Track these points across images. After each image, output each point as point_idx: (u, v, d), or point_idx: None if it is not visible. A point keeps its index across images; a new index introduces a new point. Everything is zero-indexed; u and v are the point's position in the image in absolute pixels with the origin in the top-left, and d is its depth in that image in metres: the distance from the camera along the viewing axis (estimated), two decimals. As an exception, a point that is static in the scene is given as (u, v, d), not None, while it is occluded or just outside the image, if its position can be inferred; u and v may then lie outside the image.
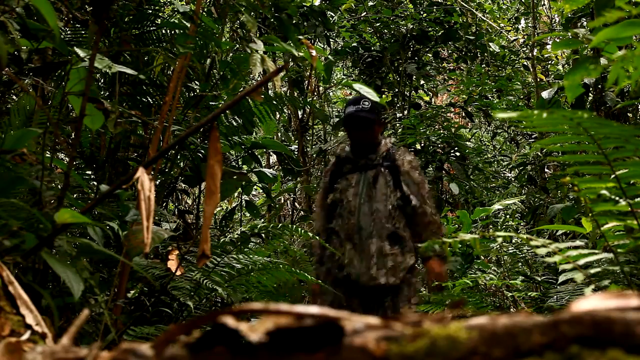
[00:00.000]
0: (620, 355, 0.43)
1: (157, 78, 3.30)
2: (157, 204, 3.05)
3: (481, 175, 7.12)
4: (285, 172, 5.15)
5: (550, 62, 7.37)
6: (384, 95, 6.90)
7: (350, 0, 6.91)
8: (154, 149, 2.71)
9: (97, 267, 2.59)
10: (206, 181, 1.39)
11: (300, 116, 6.34)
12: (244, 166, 4.54)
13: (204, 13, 3.60)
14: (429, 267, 3.21)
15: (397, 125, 6.39)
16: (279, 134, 6.52)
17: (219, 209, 7.31)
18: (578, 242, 1.58)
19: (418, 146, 6.30)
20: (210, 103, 3.38)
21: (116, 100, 2.24)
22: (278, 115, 5.71)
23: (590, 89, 4.81)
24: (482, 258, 4.98)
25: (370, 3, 6.94)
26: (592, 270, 1.52)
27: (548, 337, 0.45)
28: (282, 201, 7.24)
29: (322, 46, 6.16)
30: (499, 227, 6.13)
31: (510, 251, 4.86)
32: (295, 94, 5.97)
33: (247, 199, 5.04)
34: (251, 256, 2.94)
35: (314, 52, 2.73)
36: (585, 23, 5.05)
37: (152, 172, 2.79)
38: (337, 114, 7.78)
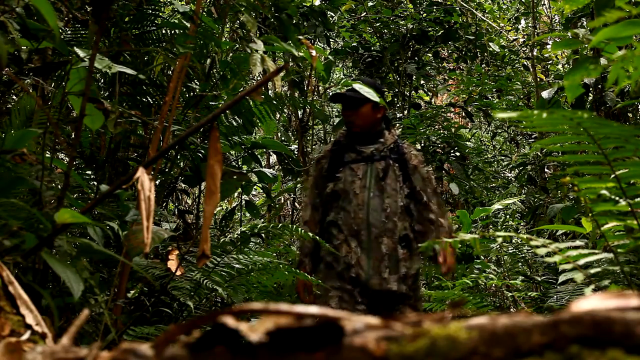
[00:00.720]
0: (620, 355, 0.43)
1: (157, 78, 3.30)
2: (157, 204, 3.05)
3: (481, 175, 7.13)
4: (285, 172, 5.15)
5: (550, 62, 7.37)
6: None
7: (350, 1, 6.91)
8: (154, 149, 2.71)
9: (97, 267, 2.59)
10: (206, 181, 1.39)
11: (300, 116, 6.34)
12: (244, 166, 4.54)
13: (204, 13, 3.61)
14: (441, 260, 2.95)
15: (397, 125, 6.39)
16: (279, 134, 6.52)
17: (219, 209, 7.31)
18: (578, 242, 1.58)
19: (418, 146, 6.30)
20: (210, 103, 3.38)
21: (116, 100, 2.24)
22: (278, 115, 5.71)
23: (590, 89, 4.81)
24: (482, 258, 4.98)
25: (370, 3, 6.94)
26: (592, 270, 1.52)
27: (548, 337, 0.45)
28: (282, 201, 7.24)
29: (322, 46, 6.16)
30: (499, 227, 6.13)
31: (510, 251, 4.86)
32: (296, 94, 5.98)
33: (247, 199, 5.04)
34: (251, 256, 2.94)
35: (314, 52, 2.73)
36: (585, 23, 5.05)
37: (152, 172, 2.79)
38: (337, 114, 7.78)
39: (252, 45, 2.71)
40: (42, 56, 2.72)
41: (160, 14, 3.38)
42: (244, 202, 5.11)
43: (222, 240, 3.01)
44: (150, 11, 3.18)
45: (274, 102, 3.59)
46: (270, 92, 4.08)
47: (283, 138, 6.53)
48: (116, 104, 2.00)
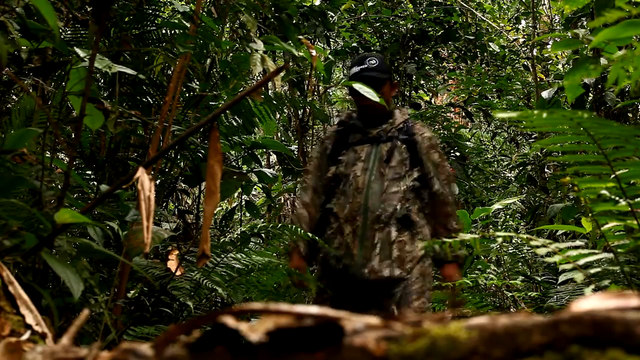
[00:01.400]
0: (620, 355, 0.43)
1: (157, 78, 3.30)
2: (157, 204, 3.05)
3: (481, 175, 7.13)
4: (285, 172, 5.15)
5: (550, 62, 7.37)
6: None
7: (350, 1, 6.91)
8: (154, 149, 2.71)
9: (97, 267, 2.59)
10: (206, 181, 1.39)
11: (300, 116, 6.34)
12: (244, 166, 4.54)
13: (204, 13, 3.61)
14: (444, 274, 2.77)
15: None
16: (279, 134, 6.52)
17: (219, 209, 7.31)
18: (578, 242, 1.58)
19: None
20: (210, 103, 3.38)
21: (116, 100, 2.24)
22: (278, 115, 5.71)
23: (590, 89, 4.81)
24: (482, 258, 4.98)
25: (370, 3, 6.94)
26: (592, 270, 1.52)
27: (548, 337, 0.45)
28: (282, 201, 7.24)
29: (322, 46, 6.16)
30: (499, 227, 6.13)
31: (510, 251, 4.86)
32: (296, 94, 5.98)
33: (247, 199, 5.04)
34: (251, 256, 2.94)
35: (314, 52, 2.73)
36: (585, 23, 5.05)
37: (152, 172, 2.79)
38: (337, 114, 7.79)
39: (252, 45, 2.71)
40: (42, 56, 2.72)
41: (160, 14, 3.38)
42: (244, 202, 5.11)
43: (222, 240, 3.01)
44: (150, 11, 3.19)
45: (274, 102, 3.59)
46: (270, 92, 4.07)
47: (283, 138, 6.53)
48: (116, 104, 2.00)
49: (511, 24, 8.43)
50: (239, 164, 4.68)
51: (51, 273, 1.91)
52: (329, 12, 5.93)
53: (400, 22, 6.66)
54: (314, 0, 6.44)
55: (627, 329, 0.44)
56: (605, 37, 1.44)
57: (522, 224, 6.65)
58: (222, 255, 2.88)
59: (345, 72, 8.73)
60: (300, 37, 3.54)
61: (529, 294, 4.43)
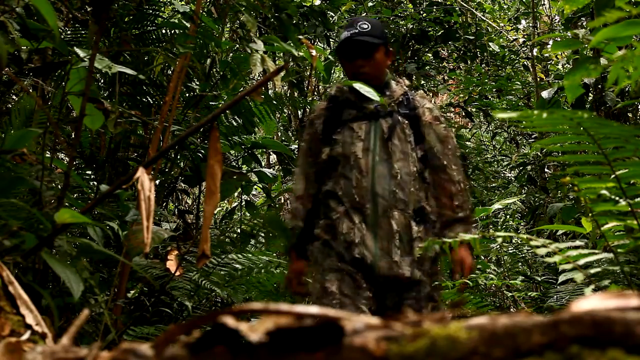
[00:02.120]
0: (620, 355, 0.43)
1: (157, 78, 3.30)
2: (157, 204, 3.05)
3: (481, 175, 7.13)
4: (285, 172, 5.15)
5: (550, 61, 7.37)
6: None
7: (350, 1, 6.91)
8: (154, 149, 2.72)
9: (97, 267, 2.59)
10: (206, 181, 1.39)
11: (300, 116, 6.34)
12: (244, 166, 4.54)
13: (204, 13, 3.61)
14: (457, 257, 2.42)
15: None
16: (279, 134, 6.52)
17: (219, 209, 7.31)
18: (578, 242, 1.58)
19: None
20: (210, 103, 3.38)
21: (116, 100, 2.24)
22: (278, 115, 5.71)
23: (590, 89, 4.81)
24: (482, 258, 4.99)
25: (370, 3, 6.94)
26: (592, 270, 1.52)
27: (548, 337, 0.45)
28: (282, 201, 7.24)
29: (322, 46, 6.16)
30: (499, 227, 6.13)
31: (510, 251, 4.86)
32: (296, 94, 5.98)
33: (247, 199, 5.04)
34: (251, 256, 2.94)
35: (314, 52, 2.73)
36: (585, 23, 5.05)
37: (152, 172, 2.79)
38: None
39: (252, 45, 2.71)
40: (42, 56, 2.72)
41: (160, 14, 3.38)
42: (244, 202, 5.11)
43: (221, 238, 3.01)
44: (151, 11, 3.19)
45: (274, 102, 3.59)
46: (270, 92, 4.08)
47: (283, 138, 6.53)
48: (116, 104, 2.00)
49: (511, 24, 8.43)
50: (239, 164, 4.68)
51: (51, 273, 1.91)
52: (329, 12, 5.93)
53: (400, 22, 6.66)
54: (314, 0, 6.44)
55: (627, 329, 0.44)
56: (605, 37, 1.44)
57: (522, 224, 6.65)
58: (223, 256, 2.88)
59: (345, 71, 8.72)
60: (300, 37, 3.54)
61: (529, 294, 4.43)
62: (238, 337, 0.53)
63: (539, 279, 4.75)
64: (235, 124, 3.60)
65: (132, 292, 2.88)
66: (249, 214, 5.38)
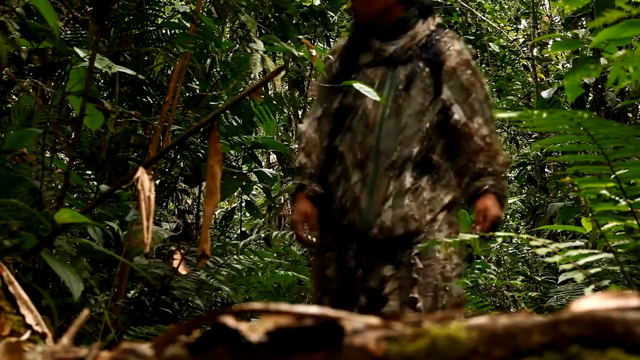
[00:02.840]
0: (620, 355, 0.43)
1: (157, 78, 3.30)
2: (157, 204, 3.05)
3: (481, 175, 7.12)
4: (285, 172, 5.15)
5: (550, 62, 7.38)
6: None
7: (350, 1, 6.90)
8: (154, 149, 2.72)
9: (97, 267, 2.59)
10: (206, 181, 1.39)
11: (300, 116, 6.34)
12: (244, 166, 4.54)
13: (204, 13, 3.61)
14: (479, 206, 2.12)
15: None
16: (279, 134, 6.52)
17: (218, 209, 7.31)
18: (578, 242, 1.58)
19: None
20: (210, 103, 3.38)
21: (116, 100, 2.24)
22: (278, 115, 5.71)
23: (590, 89, 4.81)
24: (482, 258, 4.98)
25: (370, 3, 6.93)
26: (592, 270, 1.52)
27: (548, 337, 0.45)
28: (282, 201, 7.24)
29: (322, 46, 6.16)
30: (499, 227, 6.12)
31: (510, 251, 4.86)
32: (296, 94, 5.98)
33: (247, 199, 5.04)
34: (251, 256, 2.94)
35: (314, 52, 2.72)
36: (585, 23, 5.05)
37: (152, 172, 2.79)
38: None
39: (252, 45, 2.71)
40: (42, 56, 2.72)
41: (160, 14, 3.38)
42: (244, 202, 5.11)
43: (221, 238, 3.01)
44: (151, 11, 3.19)
45: (274, 102, 3.59)
46: (270, 92, 4.08)
47: (283, 138, 6.53)
48: (116, 104, 2.00)
49: (511, 24, 8.43)
50: (239, 164, 4.68)
51: (51, 273, 1.91)
52: (329, 12, 5.93)
53: (400, 22, 6.66)
54: (314, 0, 6.43)
55: (627, 329, 0.44)
56: (605, 37, 1.44)
57: (522, 224, 6.64)
58: (224, 256, 2.88)
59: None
60: (300, 37, 3.54)
61: (529, 294, 4.44)
62: (238, 337, 0.53)
63: (539, 279, 4.75)
64: (235, 124, 3.60)
65: (132, 292, 2.88)
66: (249, 214, 5.38)
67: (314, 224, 2.22)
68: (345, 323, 0.51)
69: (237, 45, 3.76)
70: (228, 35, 4.63)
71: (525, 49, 7.47)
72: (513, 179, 7.41)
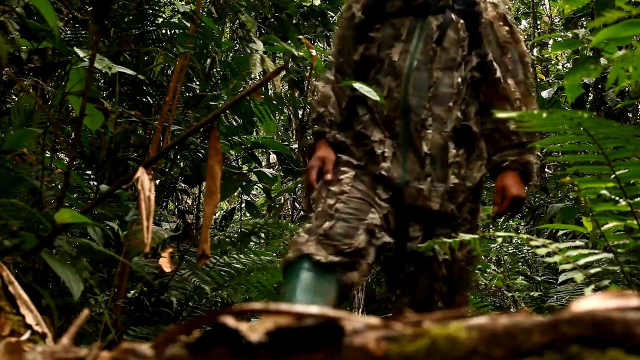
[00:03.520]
0: (620, 355, 0.43)
1: (157, 78, 3.31)
2: (157, 204, 3.05)
3: (481, 175, 7.11)
4: (285, 172, 5.15)
5: (550, 62, 7.38)
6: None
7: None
8: (154, 149, 2.72)
9: (97, 267, 2.59)
10: (206, 181, 1.39)
11: (300, 116, 6.34)
12: (244, 166, 4.54)
13: (204, 13, 3.61)
14: (499, 183, 1.96)
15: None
16: (279, 134, 6.52)
17: (218, 209, 7.31)
18: (578, 242, 1.58)
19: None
20: (210, 103, 3.38)
21: (116, 100, 2.24)
22: (278, 115, 5.71)
23: (590, 89, 4.81)
24: (482, 258, 4.99)
25: (370, 3, 6.93)
26: (592, 270, 1.52)
27: (548, 337, 0.45)
28: (282, 201, 7.24)
29: (322, 46, 6.16)
30: (499, 227, 6.13)
31: (510, 251, 4.86)
32: (296, 94, 5.98)
33: (247, 199, 5.04)
34: (251, 256, 2.94)
35: (314, 52, 2.73)
36: (585, 23, 5.05)
37: (152, 172, 2.79)
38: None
39: (252, 45, 2.71)
40: (42, 56, 2.72)
41: (160, 14, 3.39)
42: (244, 202, 5.11)
43: (216, 238, 3.01)
44: (151, 11, 3.19)
45: (274, 102, 3.59)
46: (270, 92, 4.08)
47: (283, 138, 6.53)
48: (116, 104, 2.00)
49: (511, 24, 8.43)
50: (239, 164, 4.68)
51: (51, 273, 1.91)
52: (329, 12, 5.93)
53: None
54: (314, 0, 6.44)
55: (627, 329, 0.44)
56: (605, 37, 1.45)
57: (522, 224, 6.64)
58: (223, 256, 2.88)
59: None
60: (300, 37, 3.54)
61: (529, 294, 4.43)
62: (238, 337, 0.53)
63: (539, 279, 4.75)
64: (235, 124, 3.60)
65: (132, 292, 2.88)
66: (249, 214, 5.38)
67: (329, 169, 1.99)
68: (345, 323, 0.51)
69: (237, 45, 3.76)
70: (228, 36, 4.63)
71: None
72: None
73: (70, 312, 2.19)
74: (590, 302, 0.50)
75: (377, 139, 1.97)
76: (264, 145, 4.16)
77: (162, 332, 2.07)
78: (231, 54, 3.62)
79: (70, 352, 0.63)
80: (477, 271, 4.41)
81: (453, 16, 2.00)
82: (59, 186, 1.94)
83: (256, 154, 4.18)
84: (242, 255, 2.93)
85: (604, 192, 1.39)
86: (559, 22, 7.64)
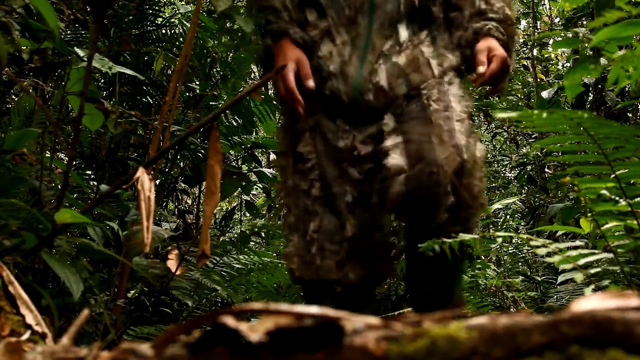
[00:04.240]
0: (620, 355, 0.43)
1: (157, 78, 3.31)
2: (157, 204, 3.05)
3: (481, 175, 7.11)
4: (285, 172, 5.14)
5: (550, 62, 7.38)
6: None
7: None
8: (154, 149, 2.71)
9: (97, 267, 2.59)
10: (206, 181, 1.39)
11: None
12: (243, 166, 4.54)
13: (204, 13, 3.61)
14: (482, 45, 1.67)
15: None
16: (279, 134, 6.52)
17: (218, 209, 7.31)
18: (578, 242, 1.58)
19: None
20: (210, 103, 3.38)
21: (116, 100, 2.24)
22: (278, 115, 5.71)
23: (590, 89, 4.81)
24: (482, 258, 4.99)
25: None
26: (592, 270, 1.52)
27: (548, 337, 0.45)
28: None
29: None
30: (499, 227, 6.13)
31: (510, 251, 4.86)
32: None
33: (247, 199, 5.04)
34: (251, 256, 2.94)
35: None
36: (585, 23, 5.05)
37: (152, 172, 2.79)
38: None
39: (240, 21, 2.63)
40: (42, 56, 2.72)
41: (160, 14, 3.39)
42: (244, 202, 5.11)
43: (221, 239, 3.01)
44: (151, 11, 3.19)
45: (274, 102, 3.59)
46: (270, 92, 4.08)
47: (283, 138, 6.52)
48: (116, 104, 2.00)
49: (511, 24, 8.42)
50: (239, 164, 4.68)
51: (51, 273, 1.91)
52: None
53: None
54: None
55: (627, 329, 0.44)
56: (605, 37, 1.45)
57: (522, 224, 6.65)
58: (223, 256, 2.88)
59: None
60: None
61: (529, 294, 4.44)
62: (238, 337, 0.53)
63: (539, 279, 4.75)
64: (235, 124, 3.60)
65: (132, 292, 2.88)
66: (249, 214, 5.38)
67: (308, 73, 1.69)
68: (345, 323, 0.51)
69: (237, 44, 3.75)
70: (228, 36, 4.63)
71: (525, 49, 7.46)
72: (513, 179, 7.41)
73: (70, 312, 2.19)
74: (590, 302, 0.50)
75: (326, 52, 1.73)
76: (264, 145, 4.16)
77: (162, 332, 2.07)
78: (231, 54, 3.62)
79: (70, 352, 0.63)
80: (477, 271, 4.41)
81: None
82: (59, 186, 1.94)
83: (256, 154, 4.18)
84: (242, 256, 2.93)
85: (604, 192, 1.39)
86: (559, 22, 7.64)
